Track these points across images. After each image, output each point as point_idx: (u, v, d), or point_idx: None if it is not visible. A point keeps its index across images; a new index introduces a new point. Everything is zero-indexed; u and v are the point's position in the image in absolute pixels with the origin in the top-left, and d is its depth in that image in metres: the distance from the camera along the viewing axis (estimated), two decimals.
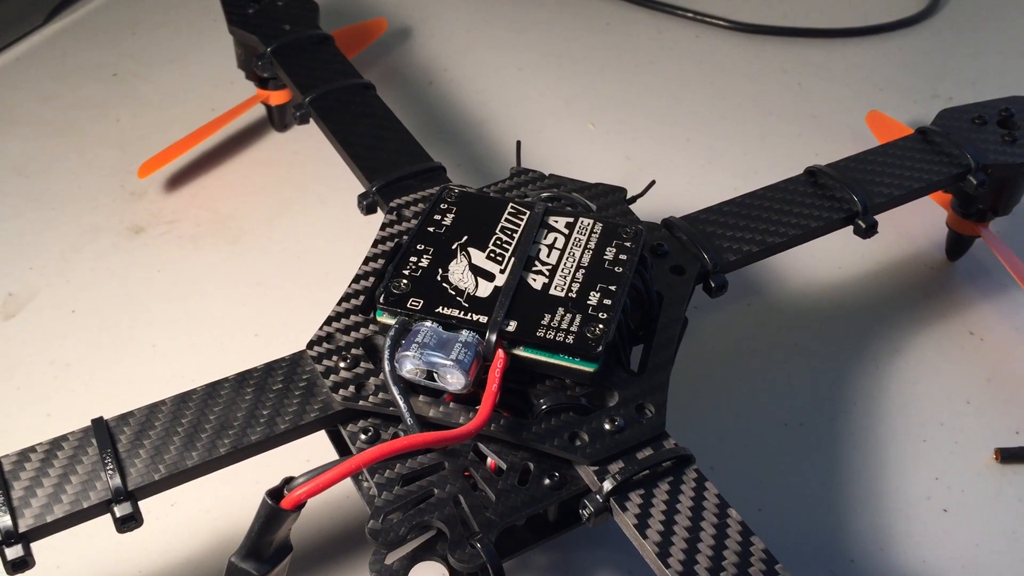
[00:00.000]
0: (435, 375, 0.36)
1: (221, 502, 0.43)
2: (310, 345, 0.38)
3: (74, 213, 0.58)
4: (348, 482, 0.39)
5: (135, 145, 0.62)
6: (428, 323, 0.37)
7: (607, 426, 0.36)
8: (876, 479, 0.45)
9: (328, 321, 0.39)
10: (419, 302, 0.37)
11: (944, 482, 0.45)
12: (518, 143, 0.51)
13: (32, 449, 0.35)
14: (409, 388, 0.36)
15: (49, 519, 0.33)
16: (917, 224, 0.58)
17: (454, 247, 0.39)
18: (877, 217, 0.46)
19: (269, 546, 0.31)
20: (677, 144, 0.64)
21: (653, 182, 0.49)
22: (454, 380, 0.35)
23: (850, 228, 0.46)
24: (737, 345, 0.51)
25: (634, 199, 0.47)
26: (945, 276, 0.55)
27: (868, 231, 0.45)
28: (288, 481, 0.31)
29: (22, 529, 0.32)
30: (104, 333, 0.51)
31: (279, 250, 0.56)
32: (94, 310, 0.52)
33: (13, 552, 0.32)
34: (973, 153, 0.48)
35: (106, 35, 0.72)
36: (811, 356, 0.50)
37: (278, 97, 0.61)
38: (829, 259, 0.56)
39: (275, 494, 0.31)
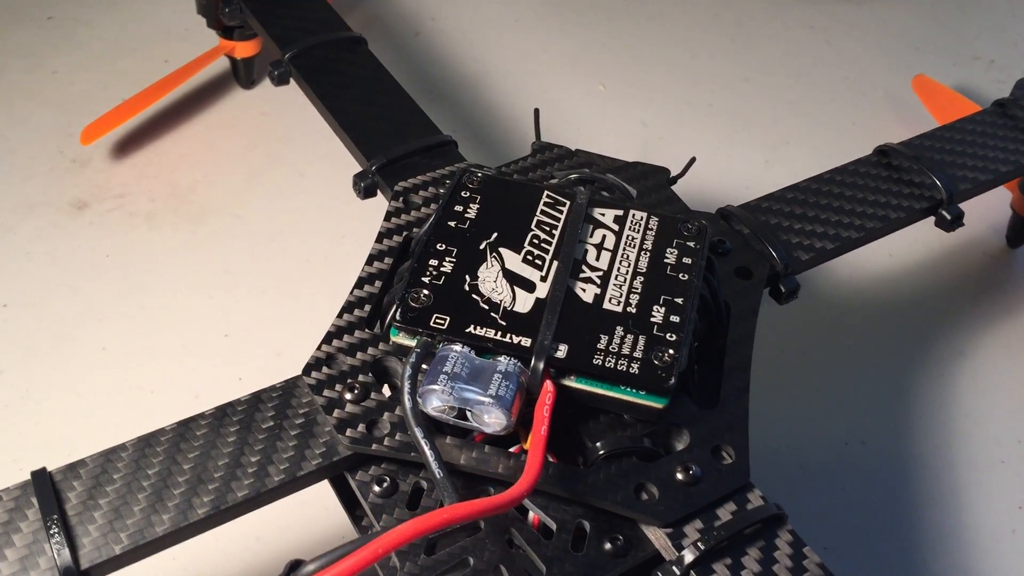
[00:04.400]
0: (468, 414, 0.29)
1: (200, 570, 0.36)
2: (307, 370, 0.31)
3: (3, 185, 0.50)
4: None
5: (76, 103, 0.54)
6: (457, 346, 0.29)
7: (679, 475, 0.29)
8: (952, 509, 0.39)
9: (328, 339, 0.32)
10: (445, 319, 0.30)
11: None
12: (536, 112, 0.43)
13: None
14: (434, 428, 0.29)
15: None
16: (972, 206, 0.51)
17: (482, 247, 0.32)
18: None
19: None
20: (698, 109, 0.57)
21: (693, 159, 0.42)
22: (493, 420, 0.28)
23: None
24: (783, 348, 0.45)
25: (675, 179, 0.40)
26: (1007, 265, 0.49)
27: (953, 223, 0.39)
28: (295, 566, 0.24)
29: None
30: (43, 333, 0.43)
31: (250, 232, 0.48)
32: (30, 305, 0.44)
33: None
34: None
35: None
36: (866, 361, 0.44)
37: (245, 49, 0.53)
38: (878, 246, 0.49)
39: None
